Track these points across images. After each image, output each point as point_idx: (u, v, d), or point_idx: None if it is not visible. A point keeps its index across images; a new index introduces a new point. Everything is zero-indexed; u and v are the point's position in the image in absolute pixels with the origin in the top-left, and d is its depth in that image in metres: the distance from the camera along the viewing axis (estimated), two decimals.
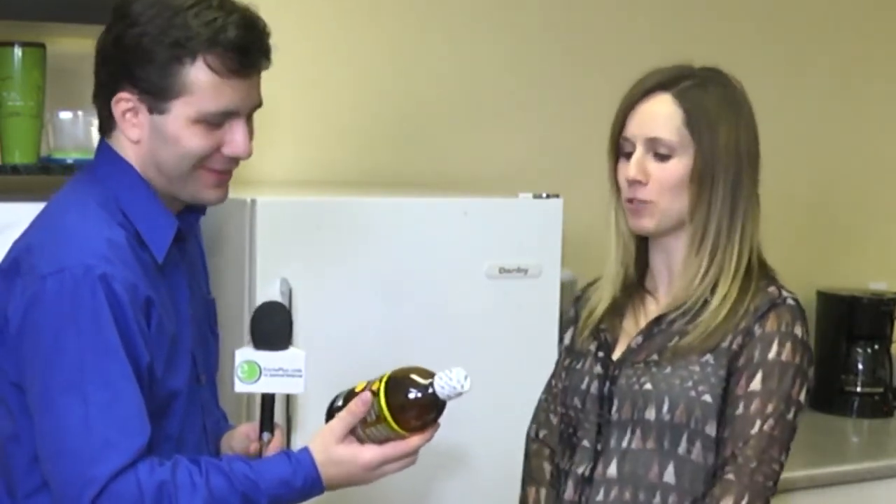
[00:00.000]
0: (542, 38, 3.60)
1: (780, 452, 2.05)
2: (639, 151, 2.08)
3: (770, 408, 2.04)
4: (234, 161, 1.94)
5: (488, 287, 2.78)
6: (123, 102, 1.90)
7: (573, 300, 2.37)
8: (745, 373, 2.05)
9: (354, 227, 2.67)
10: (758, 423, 2.03)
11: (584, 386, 2.17)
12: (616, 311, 2.19)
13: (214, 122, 1.89)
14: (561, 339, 2.33)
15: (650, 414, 2.07)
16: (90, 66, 2.88)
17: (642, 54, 3.59)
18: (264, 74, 1.97)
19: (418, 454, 1.95)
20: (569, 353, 2.26)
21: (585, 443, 2.15)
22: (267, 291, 2.54)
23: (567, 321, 2.34)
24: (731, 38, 3.82)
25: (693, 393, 2.05)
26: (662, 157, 2.07)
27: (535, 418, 2.32)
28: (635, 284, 2.19)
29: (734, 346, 2.06)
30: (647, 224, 2.10)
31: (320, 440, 1.92)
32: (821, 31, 4.07)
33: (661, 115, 2.07)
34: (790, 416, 2.06)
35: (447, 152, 3.46)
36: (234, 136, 1.91)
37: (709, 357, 2.06)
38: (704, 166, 2.06)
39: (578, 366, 2.21)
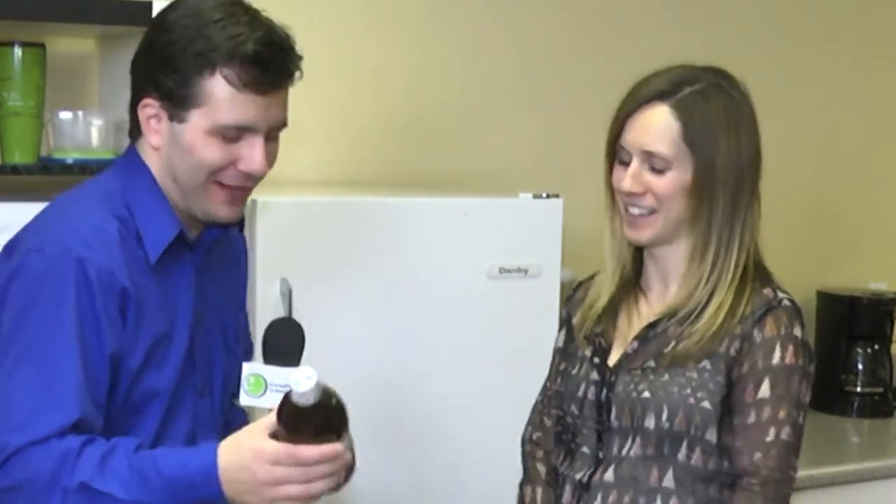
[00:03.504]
0: (543, 38, 3.60)
1: (797, 458, 2.06)
2: (635, 163, 2.06)
3: (782, 414, 2.03)
4: (249, 178, 1.94)
5: (488, 287, 2.78)
6: (148, 108, 1.94)
7: (565, 300, 2.35)
8: (751, 380, 2.04)
9: (354, 227, 2.67)
10: (772, 430, 2.02)
11: (580, 392, 2.16)
12: (612, 310, 2.18)
13: (230, 135, 1.90)
14: (557, 341, 2.31)
15: (649, 422, 2.06)
16: (90, 66, 2.92)
17: (644, 54, 3.60)
18: None
19: (317, 480, 1.78)
20: (563, 357, 2.25)
21: (585, 449, 2.14)
22: (267, 291, 2.54)
23: (560, 323, 2.33)
24: (733, 38, 3.82)
25: (692, 400, 2.04)
26: (659, 170, 2.05)
27: (530, 420, 2.32)
28: (632, 283, 2.18)
29: (731, 352, 2.05)
30: (642, 236, 2.09)
31: (239, 432, 1.86)
32: (822, 31, 4.07)
33: (657, 128, 2.04)
34: (800, 420, 2.06)
35: (447, 152, 3.46)
36: (249, 153, 1.91)
37: (706, 363, 2.05)
38: (703, 179, 2.04)
39: (574, 371, 2.19)
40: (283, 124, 1.97)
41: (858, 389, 3.89)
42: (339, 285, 2.65)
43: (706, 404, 2.04)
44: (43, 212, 1.99)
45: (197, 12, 1.91)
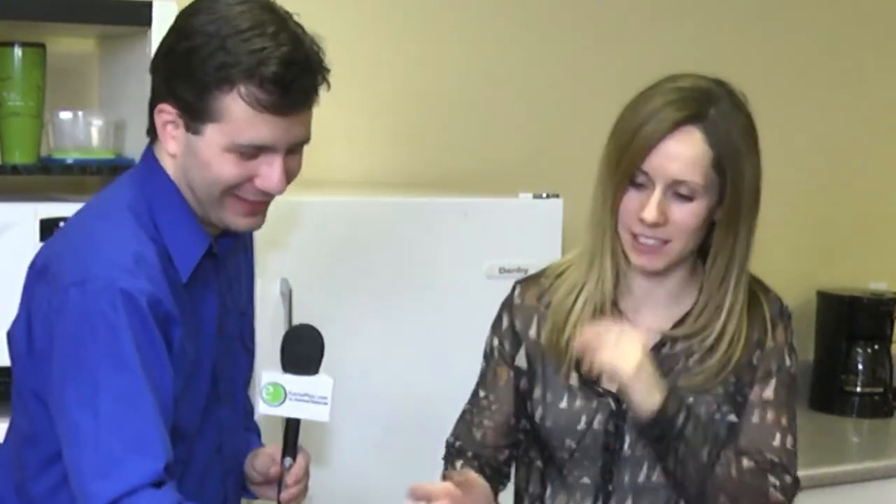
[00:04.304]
0: (543, 39, 3.60)
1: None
2: (658, 192, 1.93)
3: (784, 421, 2.02)
4: (267, 193, 1.87)
5: (488, 287, 2.77)
6: (165, 114, 1.85)
7: (506, 307, 2.17)
8: (758, 382, 2.02)
9: (354, 227, 2.67)
10: (778, 435, 2.01)
11: (580, 425, 2.03)
12: None
13: (247, 152, 1.82)
14: (503, 349, 2.15)
15: (676, 445, 1.97)
16: (90, 66, 2.92)
17: (644, 55, 3.61)
18: None
19: None
20: (531, 380, 2.09)
21: (586, 480, 2.04)
22: (267, 291, 2.54)
23: (509, 334, 2.15)
24: (734, 41, 3.82)
25: (718, 415, 2.00)
26: (684, 198, 1.94)
27: (455, 430, 2.19)
28: (609, 302, 2.05)
29: (754, 360, 2.02)
30: (656, 264, 1.99)
31: None
32: (822, 32, 4.07)
33: (690, 157, 1.92)
34: (796, 428, 2.05)
35: (447, 152, 3.46)
36: (267, 170, 1.84)
37: (730, 376, 2.01)
38: (732, 208, 1.95)
39: (563, 404, 2.05)
40: (305, 140, 1.88)
41: (858, 389, 3.89)
42: (339, 285, 2.65)
43: (732, 417, 2.01)
44: (72, 234, 1.89)
45: (222, 18, 1.80)
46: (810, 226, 4.09)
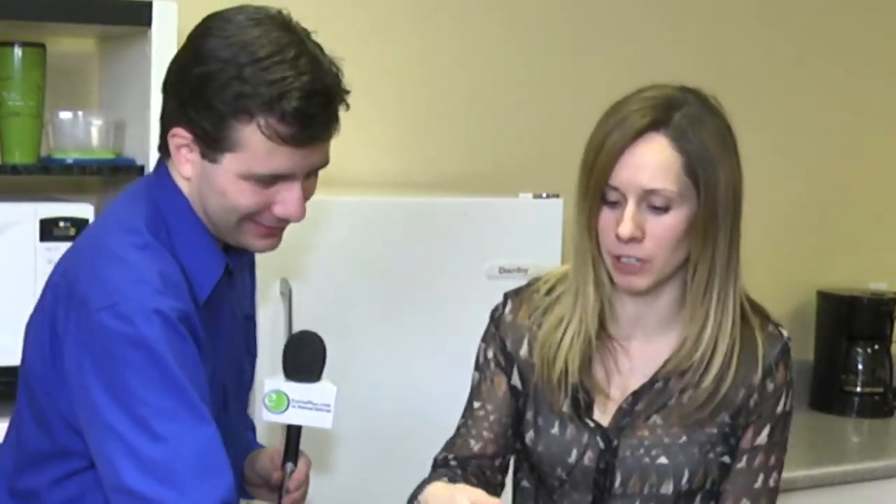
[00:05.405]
0: (543, 38, 3.60)
1: (777, 497, 2.04)
2: (632, 205, 1.86)
3: (773, 461, 2.00)
4: (284, 220, 1.84)
5: (488, 287, 2.77)
6: (179, 138, 1.80)
7: (496, 323, 2.11)
8: (752, 427, 1.98)
9: (354, 227, 2.67)
10: (761, 477, 1.99)
11: (571, 458, 1.98)
12: (585, 361, 1.99)
13: (265, 181, 1.78)
14: (498, 361, 2.09)
15: (667, 488, 1.96)
16: (90, 66, 2.92)
17: (643, 54, 3.61)
18: None
19: None
20: (526, 402, 2.04)
21: None
22: (267, 291, 2.54)
23: (502, 351, 2.08)
24: (729, 40, 3.82)
25: (712, 455, 1.97)
26: (659, 210, 1.86)
27: (446, 445, 2.11)
28: (597, 329, 1.99)
29: (751, 404, 1.97)
30: (640, 283, 1.91)
31: None
32: (820, 31, 4.07)
33: (658, 164, 1.85)
34: (784, 460, 2.04)
35: (447, 152, 3.46)
36: (286, 197, 1.80)
37: (724, 416, 1.97)
38: (707, 214, 1.87)
39: (554, 430, 2.00)
40: (324, 165, 1.85)
41: (858, 389, 3.89)
42: (339, 285, 2.65)
43: (726, 458, 1.98)
44: (93, 254, 1.80)
45: (238, 43, 1.74)
46: (810, 226, 4.09)
